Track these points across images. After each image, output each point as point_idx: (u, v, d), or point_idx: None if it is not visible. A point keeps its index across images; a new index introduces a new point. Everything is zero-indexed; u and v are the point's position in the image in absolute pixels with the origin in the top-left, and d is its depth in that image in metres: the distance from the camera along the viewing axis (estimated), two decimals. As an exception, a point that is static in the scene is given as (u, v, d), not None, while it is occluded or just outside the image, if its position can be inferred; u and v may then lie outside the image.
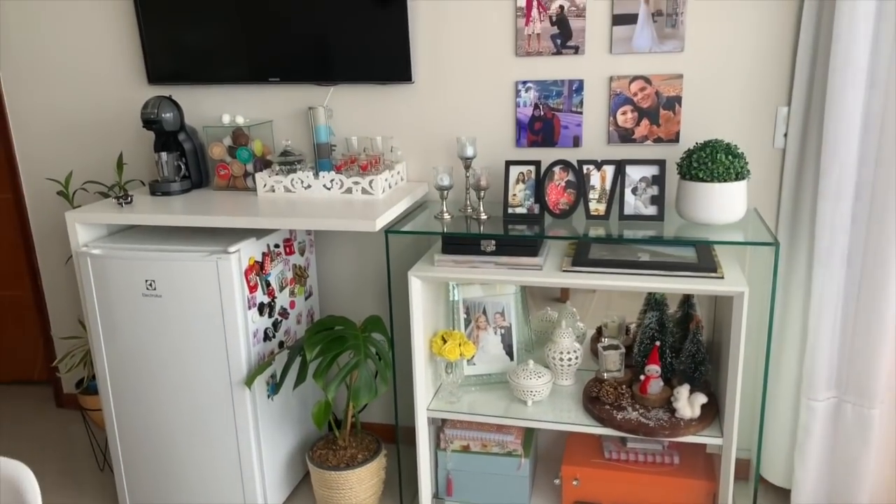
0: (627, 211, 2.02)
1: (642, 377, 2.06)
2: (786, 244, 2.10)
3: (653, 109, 2.14)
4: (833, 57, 1.84)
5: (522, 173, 2.10)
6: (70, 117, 2.66)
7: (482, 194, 2.11)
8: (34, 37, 2.59)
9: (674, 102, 2.12)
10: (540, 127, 2.24)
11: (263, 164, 2.36)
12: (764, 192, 2.15)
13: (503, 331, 2.26)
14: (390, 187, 2.25)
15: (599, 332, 2.32)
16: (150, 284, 2.03)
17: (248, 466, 2.13)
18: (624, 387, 2.09)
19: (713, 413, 2.00)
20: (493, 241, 1.97)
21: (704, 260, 1.90)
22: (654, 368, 2.03)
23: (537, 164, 2.09)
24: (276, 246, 2.21)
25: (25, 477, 1.03)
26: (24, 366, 3.26)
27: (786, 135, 2.07)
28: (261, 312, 2.12)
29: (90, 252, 2.07)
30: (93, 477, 2.60)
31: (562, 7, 2.12)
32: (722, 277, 1.84)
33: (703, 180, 1.87)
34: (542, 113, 2.22)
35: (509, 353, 2.27)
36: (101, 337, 2.14)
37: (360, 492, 2.22)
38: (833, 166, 1.89)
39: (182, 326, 2.04)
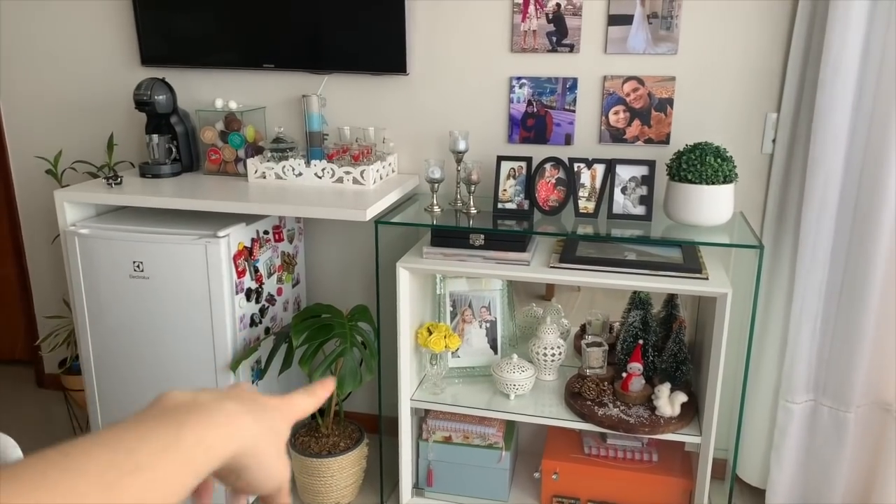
0: (616, 210, 2.03)
1: (624, 374, 2.08)
2: (770, 247, 2.13)
3: (645, 110, 2.16)
4: (823, 66, 1.87)
5: (514, 169, 2.11)
6: (61, 96, 2.64)
7: (473, 189, 2.12)
8: (26, 14, 2.57)
9: (666, 104, 2.14)
10: (532, 123, 2.25)
11: (255, 150, 2.36)
12: (750, 196, 2.18)
13: (488, 325, 2.28)
14: (381, 178, 2.25)
15: (583, 330, 2.35)
16: (138, 266, 2.02)
17: (229, 451, 2.13)
18: (606, 383, 2.11)
19: (692, 412, 2.03)
20: (482, 236, 1.98)
21: (690, 261, 1.92)
22: (636, 366, 2.06)
23: (528, 160, 2.10)
24: (266, 232, 2.21)
25: (7, 445, 1.03)
26: (6, 345, 3.23)
27: (774, 140, 2.10)
28: (248, 298, 2.12)
29: (78, 231, 2.06)
30: (72, 458, 2.59)
31: (558, 5, 2.13)
32: (706, 278, 1.86)
33: (691, 182, 1.89)
34: (535, 110, 2.24)
35: (493, 347, 2.29)
36: (86, 317, 2.13)
37: (340, 479, 2.23)
38: (819, 173, 1.92)
39: (169, 309, 2.04)
